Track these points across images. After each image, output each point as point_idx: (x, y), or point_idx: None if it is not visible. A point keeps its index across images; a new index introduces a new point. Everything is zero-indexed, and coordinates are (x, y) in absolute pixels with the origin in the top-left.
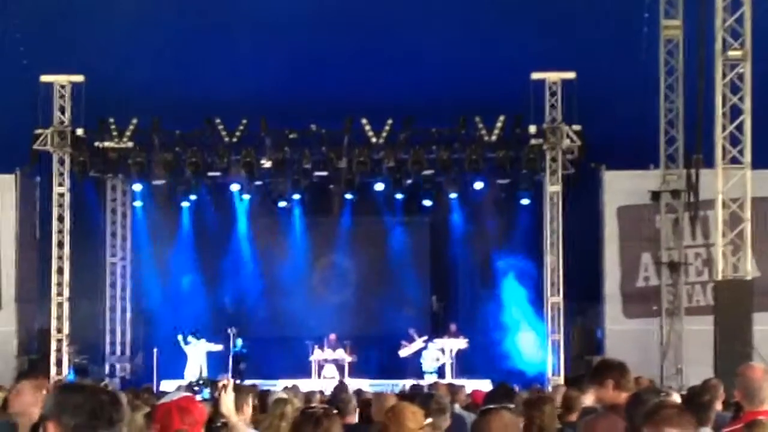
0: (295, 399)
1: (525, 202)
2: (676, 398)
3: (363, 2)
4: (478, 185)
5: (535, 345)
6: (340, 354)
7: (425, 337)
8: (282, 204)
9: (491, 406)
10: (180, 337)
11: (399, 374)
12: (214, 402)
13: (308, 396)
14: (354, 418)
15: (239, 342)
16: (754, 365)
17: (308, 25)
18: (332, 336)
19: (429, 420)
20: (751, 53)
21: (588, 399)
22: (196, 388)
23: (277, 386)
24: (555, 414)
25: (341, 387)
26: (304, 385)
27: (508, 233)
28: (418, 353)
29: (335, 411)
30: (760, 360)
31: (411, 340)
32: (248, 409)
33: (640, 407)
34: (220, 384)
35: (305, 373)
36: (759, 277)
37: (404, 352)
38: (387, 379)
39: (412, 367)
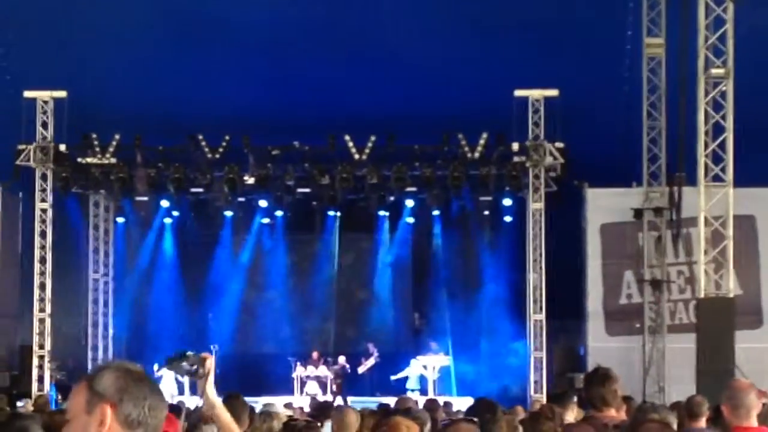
0: (280, 413)
1: (508, 219)
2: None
3: (347, 21)
4: (461, 202)
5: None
6: (323, 371)
7: (376, 354)
8: (265, 220)
9: (453, 418)
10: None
11: (383, 391)
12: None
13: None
14: None
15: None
16: (740, 379)
17: (291, 42)
18: (315, 353)
19: None
20: (734, 71)
21: (570, 416)
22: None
23: (259, 403)
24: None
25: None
26: (288, 401)
27: (490, 250)
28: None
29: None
30: (742, 378)
31: (368, 355)
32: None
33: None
34: (204, 357)
35: (288, 389)
36: (741, 295)
37: (362, 369)
38: (370, 396)
39: (397, 383)
